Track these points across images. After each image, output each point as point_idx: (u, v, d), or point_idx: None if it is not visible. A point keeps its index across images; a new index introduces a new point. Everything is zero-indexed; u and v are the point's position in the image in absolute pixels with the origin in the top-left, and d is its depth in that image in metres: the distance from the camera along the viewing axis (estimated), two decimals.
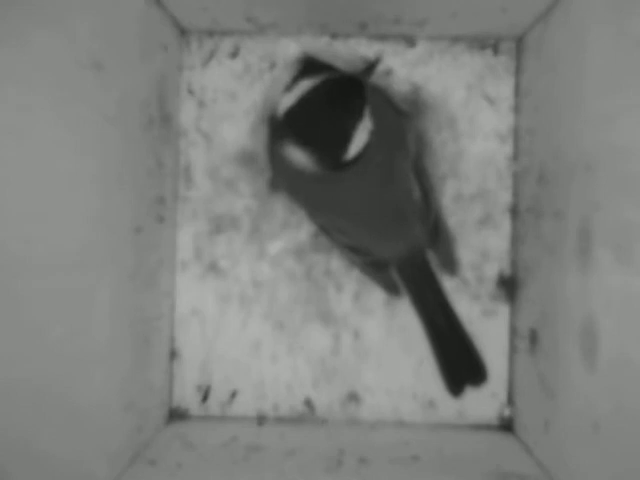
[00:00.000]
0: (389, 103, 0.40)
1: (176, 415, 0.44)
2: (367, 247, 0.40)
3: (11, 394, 0.25)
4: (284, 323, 0.45)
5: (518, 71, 0.44)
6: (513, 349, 0.44)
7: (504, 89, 0.45)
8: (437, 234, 0.42)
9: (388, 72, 0.45)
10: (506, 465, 0.37)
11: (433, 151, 0.44)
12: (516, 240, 0.44)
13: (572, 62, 0.35)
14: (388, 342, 0.45)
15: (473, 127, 0.45)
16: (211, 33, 0.45)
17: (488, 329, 0.44)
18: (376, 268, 0.42)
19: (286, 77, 0.35)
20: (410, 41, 0.45)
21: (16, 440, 0.25)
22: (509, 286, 0.44)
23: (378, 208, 0.39)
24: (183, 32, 0.45)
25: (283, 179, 0.40)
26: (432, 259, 0.42)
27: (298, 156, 0.35)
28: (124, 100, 0.35)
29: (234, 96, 0.45)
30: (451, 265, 0.43)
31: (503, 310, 0.44)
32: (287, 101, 0.34)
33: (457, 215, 0.45)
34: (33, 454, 0.26)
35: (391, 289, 0.42)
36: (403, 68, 0.45)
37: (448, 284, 0.44)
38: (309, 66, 0.35)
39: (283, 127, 0.35)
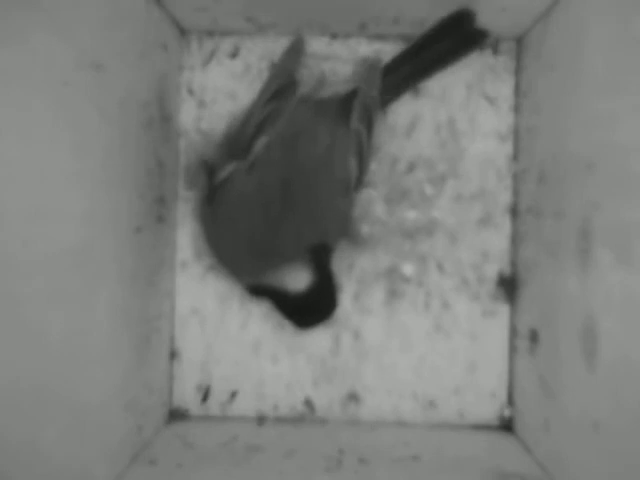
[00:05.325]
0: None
1: (176, 415, 0.44)
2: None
3: (11, 394, 0.25)
4: (284, 323, 0.45)
5: (518, 71, 0.44)
6: (513, 349, 0.44)
7: (504, 89, 0.45)
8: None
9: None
10: (506, 465, 0.37)
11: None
12: (516, 240, 0.44)
13: (572, 62, 0.35)
14: (388, 342, 0.45)
15: (473, 127, 0.45)
16: (211, 33, 0.45)
17: (488, 329, 0.44)
18: None
19: None
20: (410, 41, 0.44)
21: (16, 440, 0.25)
22: (509, 286, 0.44)
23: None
24: (183, 32, 0.45)
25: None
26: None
27: None
28: (124, 100, 0.35)
29: (234, 96, 0.45)
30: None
31: (503, 310, 0.44)
32: None
33: (457, 215, 0.45)
34: (33, 454, 0.26)
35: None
36: None
37: (448, 283, 0.44)
38: None
39: None
